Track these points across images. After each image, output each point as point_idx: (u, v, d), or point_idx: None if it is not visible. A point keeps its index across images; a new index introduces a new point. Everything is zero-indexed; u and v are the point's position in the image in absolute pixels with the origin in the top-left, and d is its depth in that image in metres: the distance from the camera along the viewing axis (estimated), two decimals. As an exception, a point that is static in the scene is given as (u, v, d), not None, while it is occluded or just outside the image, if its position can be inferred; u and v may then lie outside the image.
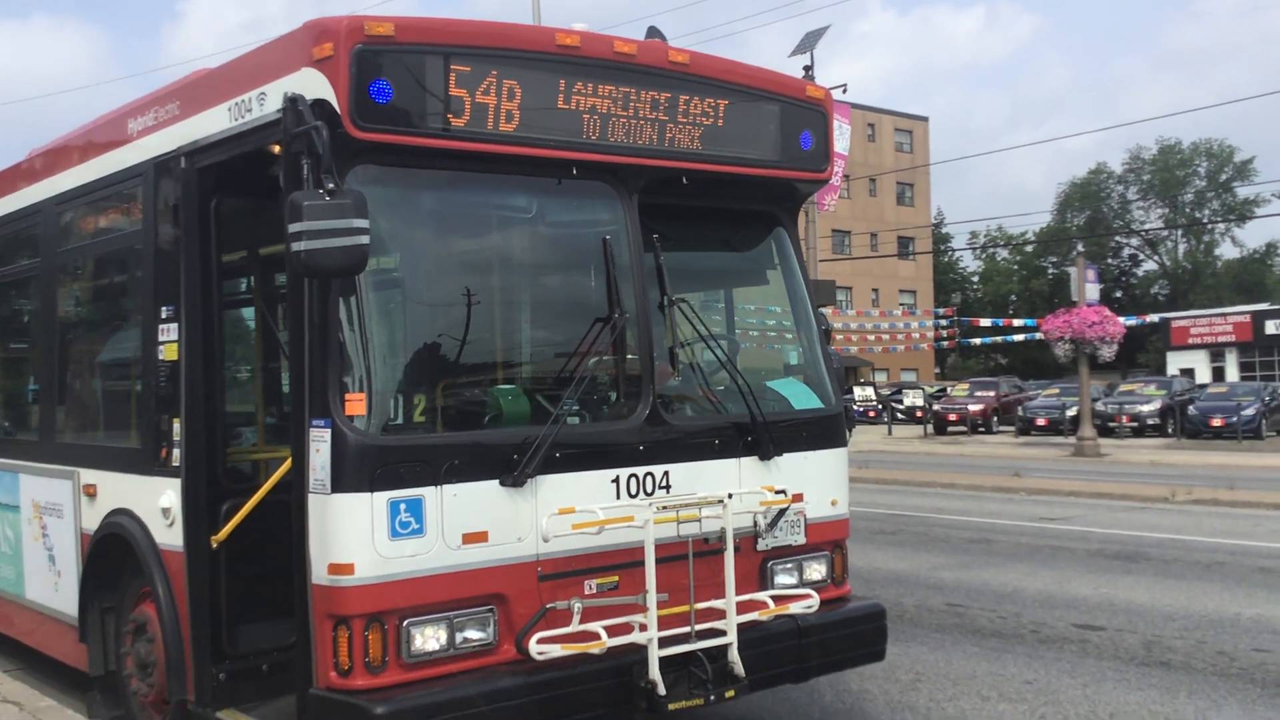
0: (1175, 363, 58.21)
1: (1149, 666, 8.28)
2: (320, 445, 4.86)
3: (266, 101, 5.26)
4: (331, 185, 4.67)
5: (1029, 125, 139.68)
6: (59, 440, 7.59)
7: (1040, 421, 39.77)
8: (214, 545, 5.77)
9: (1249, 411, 35.94)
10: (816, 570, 6.27)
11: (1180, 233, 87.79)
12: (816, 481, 6.25)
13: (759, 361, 7.25)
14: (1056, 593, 11.05)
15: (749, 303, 7.17)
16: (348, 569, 4.79)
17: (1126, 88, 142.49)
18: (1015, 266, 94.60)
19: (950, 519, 17.15)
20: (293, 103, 4.85)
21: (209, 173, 5.82)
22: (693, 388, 6.09)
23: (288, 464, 5.23)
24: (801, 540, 6.17)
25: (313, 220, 4.55)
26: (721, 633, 5.41)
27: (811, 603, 5.81)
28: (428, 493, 4.94)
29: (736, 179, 6.15)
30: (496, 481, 5.12)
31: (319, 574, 4.87)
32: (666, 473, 5.61)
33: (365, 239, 4.63)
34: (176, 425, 5.93)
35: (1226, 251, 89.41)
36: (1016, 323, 56.22)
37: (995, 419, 43.51)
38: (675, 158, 5.81)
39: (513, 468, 5.14)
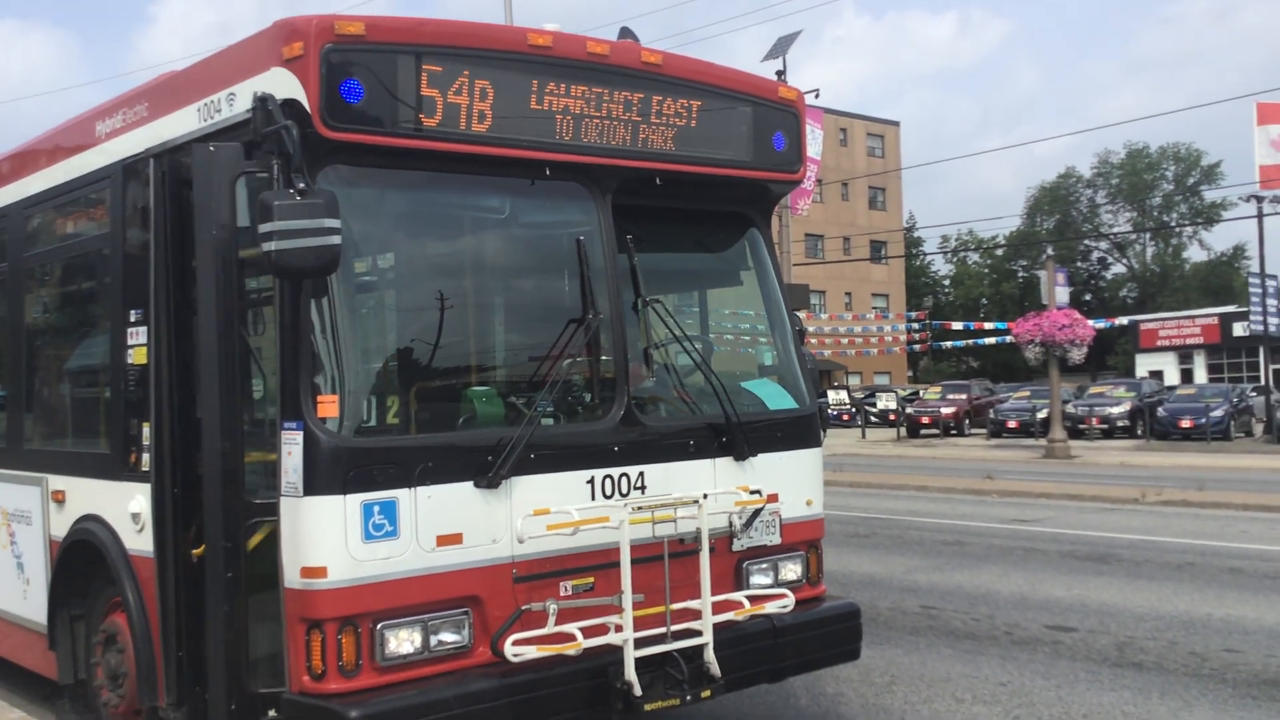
0: (1144, 365, 58.71)
1: (1121, 667, 8.32)
2: (292, 448, 4.82)
3: (236, 102, 5.22)
4: (302, 185, 4.64)
5: (1000, 129, 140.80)
6: (27, 446, 7.49)
7: (1011, 424, 40.05)
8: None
9: (1217, 413, 36.32)
10: (792, 570, 6.27)
11: (1148, 236, 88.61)
12: (791, 482, 6.26)
13: (733, 362, 7.25)
14: (1029, 594, 11.10)
15: (723, 304, 7.17)
16: (321, 572, 4.75)
17: (1097, 92, 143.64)
18: (986, 270, 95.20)
19: (924, 521, 17.21)
20: (262, 102, 4.81)
21: (178, 174, 5.76)
22: (667, 388, 6.09)
23: None
24: (777, 540, 6.17)
25: (283, 220, 4.52)
26: (697, 633, 5.40)
27: (787, 602, 5.81)
28: (401, 495, 4.91)
29: (710, 179, 6.15)
30: (471, 483, 5.09)
31: (291, 577, 4.83)
32: (642, 473, 5.60)
33: (337, 239, 4.60)
34: (146, 429, 5.86)
35: (1194, 254, 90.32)
36: (988, 326, 56.59)
37: (967, 422, 43.82)
38: (648, 158, 5.81)
39: (487, 469, 5.11)
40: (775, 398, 6.48)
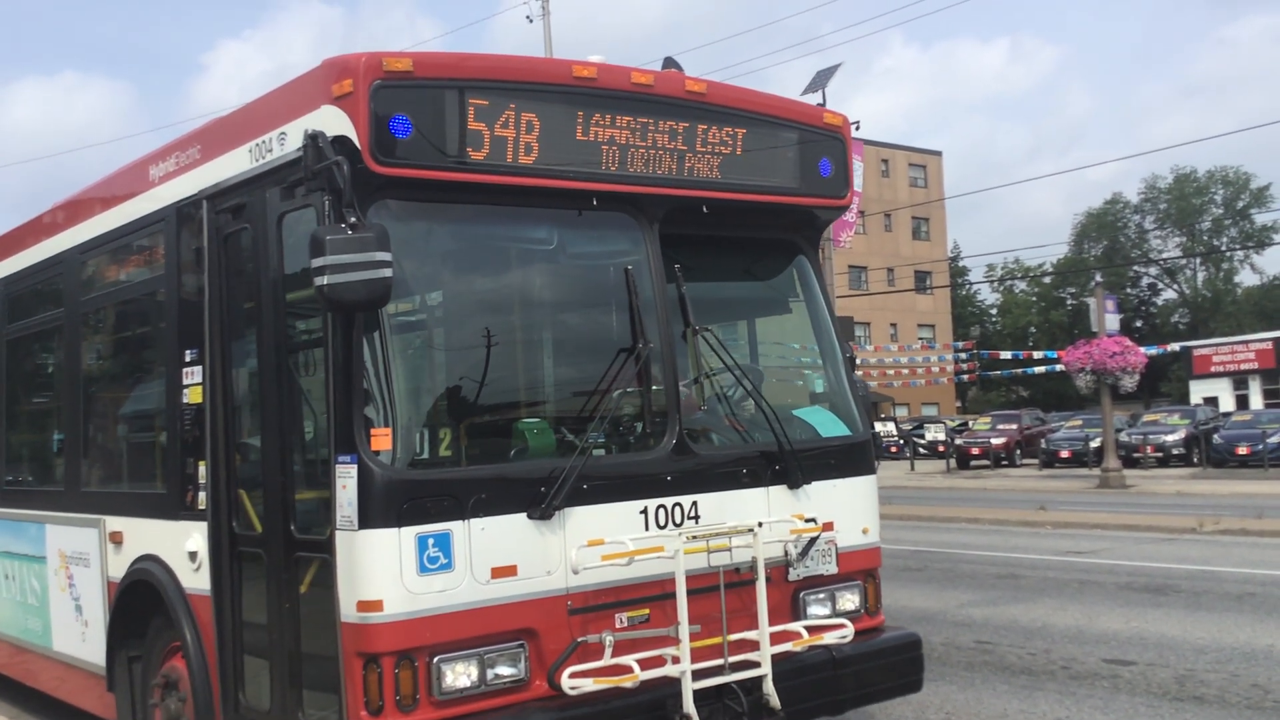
0: (1198, 391, 57.76)
1: (1182, 701, 8.10)
2: (346, 481, 4.82)
3: (287, 141, 5.27)
4: (354, 219, 4.67)
5: (1051, 156, 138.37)
6: (84, 489, 7.58)
7: (1064, 454, 39.46)
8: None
9: (1275, 439, 35.47)
10: (850, 600, 6.18)
11: (1199, 261, 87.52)
12: (846, 510, 6.18)
13: (785, 390, 7.18)
14: (1086, 628, 10.87)
15: (773, 332, 7.12)
16: (377, 606, 4.74)
17: (1148, 117, 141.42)
18: (1034, 298, 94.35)
19: (976, 554, 16.95)
20: (313, 139, 4.86)
21: (230, 215, 5.83)
22: (719, 417, 6.05)
23: None
24: (833, 569, 6.09)
25: (335, 254, 4.56)
26: (756, 664, 5.34)
27: (846, 633, 5.73)
28: (455, 527, 4.90)
29: (756, 207, 6.14)
30: (524, 514, 5.07)
31: (347, 611, 4.82)
32: (695, 503, 5.56)
33: (388, 272, 4.63)
34: (202, 468, 5.91)
35: (1246, 278, 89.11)
36: (1037, 355, 55.97)
37: (1018, 452, 43.23)
38: (695, 187, 5.80)
39: (540, 500, 5.09)
40: (828, 425, 6.42)
